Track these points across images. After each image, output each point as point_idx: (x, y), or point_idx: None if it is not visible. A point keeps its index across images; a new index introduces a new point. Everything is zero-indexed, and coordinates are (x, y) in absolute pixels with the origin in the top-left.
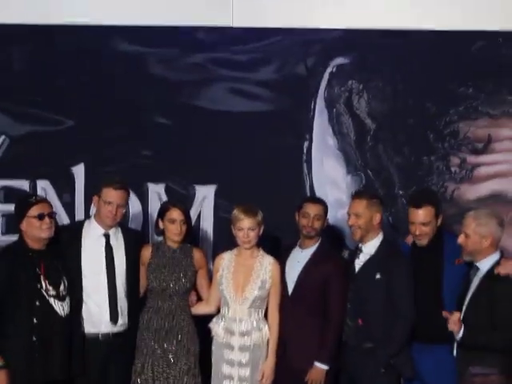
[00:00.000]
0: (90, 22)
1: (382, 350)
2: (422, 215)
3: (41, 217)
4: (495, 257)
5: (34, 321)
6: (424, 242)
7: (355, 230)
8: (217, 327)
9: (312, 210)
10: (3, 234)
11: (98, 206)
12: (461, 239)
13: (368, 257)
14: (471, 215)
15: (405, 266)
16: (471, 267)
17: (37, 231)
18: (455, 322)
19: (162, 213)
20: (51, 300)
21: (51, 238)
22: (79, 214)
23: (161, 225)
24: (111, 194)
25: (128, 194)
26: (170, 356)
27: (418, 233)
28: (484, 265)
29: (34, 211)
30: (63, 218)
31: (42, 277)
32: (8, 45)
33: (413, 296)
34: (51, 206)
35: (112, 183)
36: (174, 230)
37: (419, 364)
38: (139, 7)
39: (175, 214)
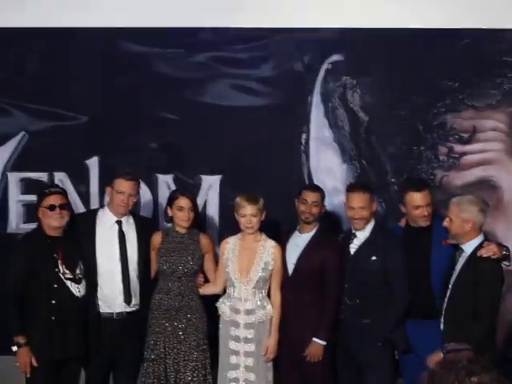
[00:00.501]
0: (101, 25)
1: (380, 325)
2: (425, 197)
3: (52, 208)
4: (478, 240)
5: (53, 302)
6: (428, 221)
7: (360, 221)
8: (223, 306)
9: (310, 197)
10: (24, 222)
11: (111, 195)
12: (446, 223)
13: (362, 240)
14: (454, 201)
15: (399, 248)
16: (457, 248)
17: (48, 220)
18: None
19: (170, 201)
20: (68, 283)
21: (68, 225)
22: (94, 203)
23: (170, 212)
24: (123, 185)
25: (139, 184)
26: (180, 333)
27: (426, 214)
28: (468, 247)
29: (47, 202)
30: (79, 207)
31: (59, 261)
32: (24, 47)
33: (407, 275)
34: (65, 197)
35: (124, 175)
36: (183, 217)
37: (412, 337)
38: (147, 11)
39: (183, 202)
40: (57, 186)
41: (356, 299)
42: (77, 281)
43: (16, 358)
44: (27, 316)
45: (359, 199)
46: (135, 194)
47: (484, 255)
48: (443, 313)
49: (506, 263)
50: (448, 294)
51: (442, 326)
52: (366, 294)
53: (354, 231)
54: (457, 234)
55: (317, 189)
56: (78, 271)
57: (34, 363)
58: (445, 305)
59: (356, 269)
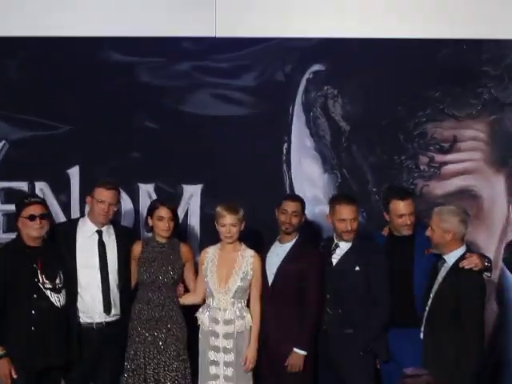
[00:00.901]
0: (83, 34)
1: (362, 335)
2: (409, 206)
3: (32, 218)
4: (461, 251)
5: (32, 312)
6: (411, 230)
7: (351, 233)
8: (203, 316)
9: (290, 206)
10: (4, 232)
11: (91, 205)
12: (428, 232)
13: (345, 250)
14: (436, 211)
15: (382, 258)
16: (440, 258)
17: (28, 230)
18: None
19: (151, 211)
20: (48, 292)
21: (48, 235)
22: (75, 213)
23: (150, 222)
24: (104, 194)
25: (119, 194)
26: (160, 343)
27: (409, 222)
28: (450, 258)
29: (27, 212)
30: (60, 217)
31: (38, 271)
32: (5, 57)
33: (390, 285)
34: (45, 207)
35: (104, 184)
36: (162, 227)
37: (393, 346)
38: (129, 20)
39: (163, 212)
40: (36, 195)
41: (338, 309)
42: (57, 290)
43: None
44: (7, 327)
45: (350, 211)
46: (115, 203)
47: (466, 267)
48: (423, 322)
49: (488, 274)
50: (429, 304)
51: (421, 335)
52: (348, 304)
53: (336, 241)
54: (438, 243)
55: (296, 199)
56: (57, 281)
57: (14, 375)
58: (425, 314)
59: (339, 279)
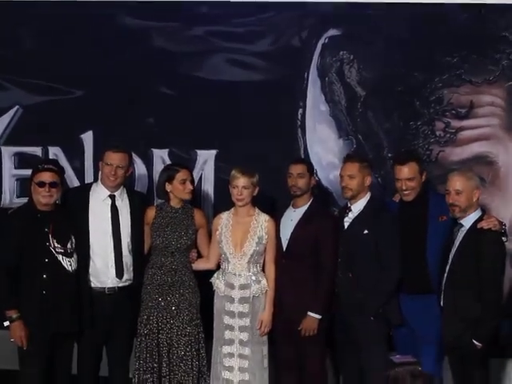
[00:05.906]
0: None
1: (371, 299)
2: (406, 171)
3: (41, 184)
4: (477, 214)
5: (44, 276)
6: (410, 197)
7: (347, 190)
8: (218, 282)
9: (295, 169)
10: (17, 197)
11: (101, 168)
12: (453, 198)
13: (356, 214)
14: (457, 174)
15: (389, 221)
16: (454, 224)
17: (37, 196)
18: None
19: (170, 176)
20: (59, 257)
21: (60, 200)
22: (88, 178)
23: (168, 188)
24: (111, 157)
25: (128, 158)
26: (173, 308)
27: (404, 188)
28: (467, 221)
29: (37, 178)
30: (73, 181)
31: (49, 235)
32: (18, 21)
33: (397, 249)
34: (57, 175)
35: (112, 147)
36: (187, 189)
37: (406, 312)
38: None
39: (185, 174)
40: (53, 162)
41: (348, 273)
42: (68, 255)
43: (10, 334)
44: (19, 291)
45: (347, 168)
46: (124, 166)
47: (485, 227)
48: (443, 288)
49: (504, 238)
50: (447, 269)
51: (442, 302)
52: (358, 268)
53: (349, 205)
54: (468, 205)
55: (301, 161)
56: (69, 245)
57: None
58: (444, 280)
59: (349, 242)
